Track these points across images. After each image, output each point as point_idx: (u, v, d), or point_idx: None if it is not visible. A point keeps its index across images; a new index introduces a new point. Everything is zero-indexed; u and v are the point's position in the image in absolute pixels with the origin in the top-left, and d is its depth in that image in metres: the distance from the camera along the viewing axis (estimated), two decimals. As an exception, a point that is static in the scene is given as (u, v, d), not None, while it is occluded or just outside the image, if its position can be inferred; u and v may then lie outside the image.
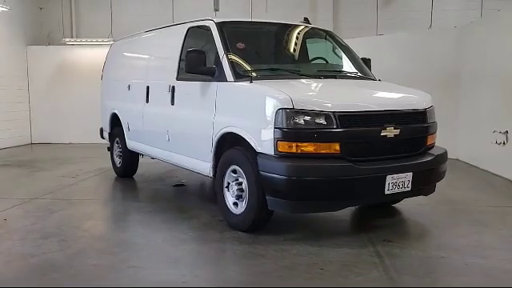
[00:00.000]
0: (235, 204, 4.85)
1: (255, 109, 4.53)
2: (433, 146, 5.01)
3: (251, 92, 4.61)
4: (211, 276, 3.78)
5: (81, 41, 12.27)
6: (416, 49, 9.85)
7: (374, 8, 12.14)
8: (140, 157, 7.57)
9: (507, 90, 7.50)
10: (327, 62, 5.96)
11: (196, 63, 5.02)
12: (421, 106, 4.84)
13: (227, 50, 5.05)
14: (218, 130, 4.97)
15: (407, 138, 4.63)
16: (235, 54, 5.08)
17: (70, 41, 12.32)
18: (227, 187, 4.93)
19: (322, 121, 4.22)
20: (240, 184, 4.75)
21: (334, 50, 5.77)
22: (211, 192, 7.00)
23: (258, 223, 4.67)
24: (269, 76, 4.97)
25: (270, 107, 4.31)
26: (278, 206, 4.42)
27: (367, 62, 6.03)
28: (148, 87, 6.52)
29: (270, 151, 4.32)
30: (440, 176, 4.97)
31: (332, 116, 4.22)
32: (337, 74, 5.39)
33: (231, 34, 5.30)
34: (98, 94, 11.83)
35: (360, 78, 5.45)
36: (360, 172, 4.24)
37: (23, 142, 12.56)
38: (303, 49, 5.77)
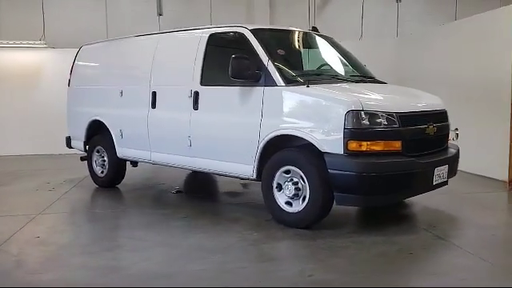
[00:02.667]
0: (288, 203, 5.08)
1: (320, 111, 4.82)
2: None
3: (315, 96, 4.88)
4: (328, 268, 3.95)
5: (7, 43, 11.21)
6: (361, 56, 10.75)
7: (307, 19, 12.93)
8: None
9: (451, 92, 8.64)
10: (330, 67, 6.39)
11: (241, 69, 5.16)
12: (443, 107, 5.54)
13: (271, 56, 5.26)
14: (266, 133, 5.14)
15: (439, 134, 5.28)
16: (277, 59, 5.32)
17: (-6, 43, 11.20)
18: (277, 188, 5.14)
19: (387, 121, 4.69)
20: (296, 183, 5.00)
21: (348, 57, 6.23)
22: (221, 195, 7.12)
23: (319, 219, 4.96)
24: (317, 81, 5.28)
25: (340, 109, 4.63)
26: (346, 201, 4.78)
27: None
28: (155, 93, 6.40)
29: (339, 150, 4.64)
30: (457, 168, 5.70)
31: (395, 116, 4.71)
32: (362, 78, 5.87)
33: (267, 40, 5.51)
34: (33, 101, 11.25)
35: (378, 82, 5.99)
36: (420, 166, 4.80)
37: None
38: (327, 55, 6.17)
